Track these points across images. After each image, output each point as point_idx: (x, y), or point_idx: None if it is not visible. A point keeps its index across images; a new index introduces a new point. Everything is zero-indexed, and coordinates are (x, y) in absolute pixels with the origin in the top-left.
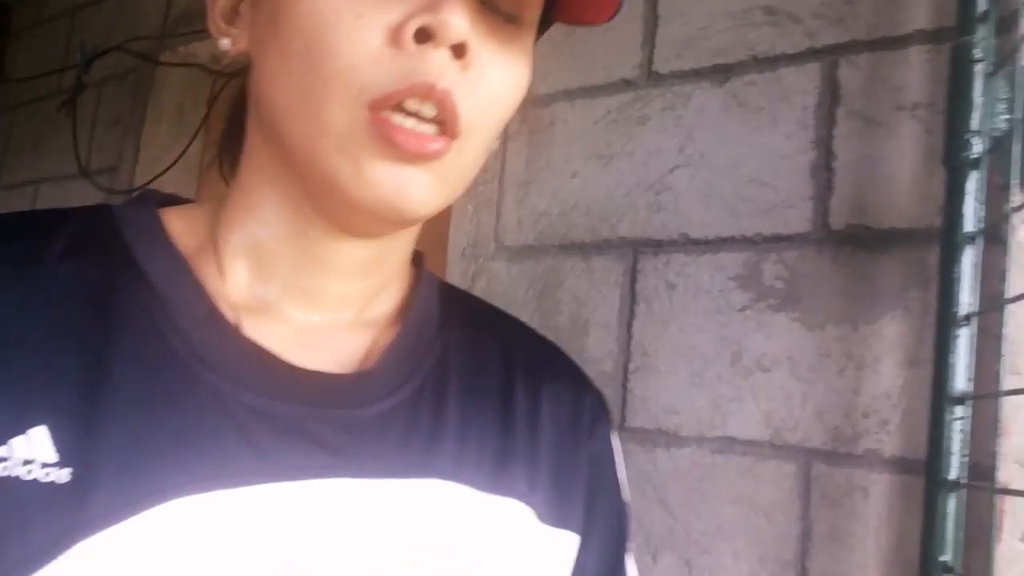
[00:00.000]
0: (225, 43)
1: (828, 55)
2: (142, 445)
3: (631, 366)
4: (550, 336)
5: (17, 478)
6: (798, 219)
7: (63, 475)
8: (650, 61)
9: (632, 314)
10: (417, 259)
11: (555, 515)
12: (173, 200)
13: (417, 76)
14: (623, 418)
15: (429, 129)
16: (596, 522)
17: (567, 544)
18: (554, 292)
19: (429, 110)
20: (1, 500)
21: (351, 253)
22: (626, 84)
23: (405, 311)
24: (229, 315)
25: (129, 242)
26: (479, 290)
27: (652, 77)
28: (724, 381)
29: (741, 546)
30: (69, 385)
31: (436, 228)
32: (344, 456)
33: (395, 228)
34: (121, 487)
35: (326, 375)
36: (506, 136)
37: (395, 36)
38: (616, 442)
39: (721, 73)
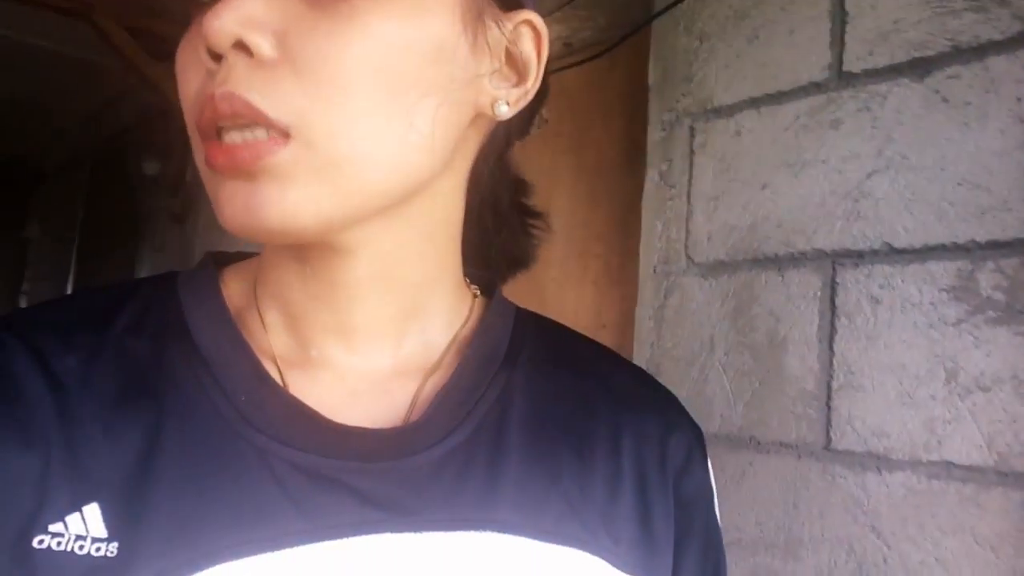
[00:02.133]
0: None
1: None
2: (186, 514)
3: (834, 384)
4: (747, 354)
5: (72, 553)
6: (1017, 223)
7: (112, 549)
8: (840, 60)
9: (833, 330)
10: (490, 286)
11: (637, 562)
12: (242, 256)
13: (202, 95)
14: (828, 439)
15: (256, 136)
16: (685, 567)
17: None
18: (749, 308)
19: (243, 121)
20: (55, 573)
21: (347, 271)
22: (815, 87)
23: (463, 349)
24: (274, 373)
25: (184, 309)
26: (672, 307)
27: (843, 77)
28: (938, 401)
29: None
30: (122, 461)
31: (626, 245)
32: (390, 510)
33: (310, 239)
34: (163, 557)
35: (370, 431)
36: (691, 149)
37: (206, 69)
38: (712, 480)
39: (920, 68)
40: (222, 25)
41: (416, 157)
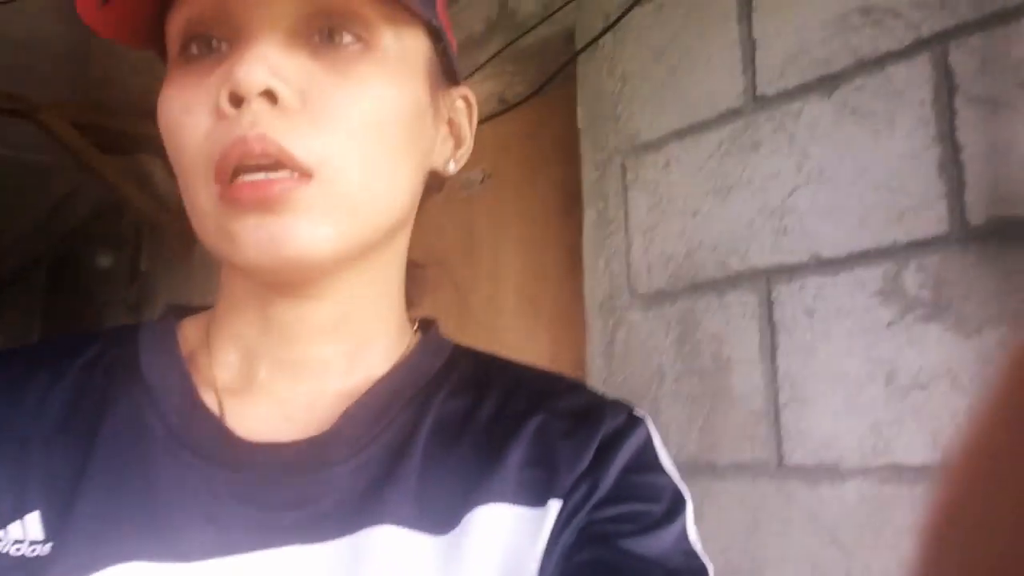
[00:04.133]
0: None
1: (936, 43)
2: (108, 516)
3: (781, 400)
4: (696, 380)
5: (7, 554)
6: (934, 221)
7: (46, 549)
8: (754, 85)
9: (774, 345)
10: (425, 326)
11: (537, 488)
12: (201, 309)
13: (229, 136)
14: (780, 456)
15: (279, 176)
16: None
17: (546, 515)
18: (692, 334)
19: (268, 162)
20: None
21: (311, 315)
22: (733, 113)
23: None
24: (211, 401)
25: (140, 350)
26: (620, 341)
27: (758, 101)
28: (881, 404)
29: None
30: (62, 474)
31: (576, 286)
32: (297, 522)
33: (315, 275)
34: (83, 551)
35: (282, 444)
36: (624, 185)
37: (218, 112)
38: (656, 444)
39: (828, 84)
40: (255, 74)
41: (403, 200)
